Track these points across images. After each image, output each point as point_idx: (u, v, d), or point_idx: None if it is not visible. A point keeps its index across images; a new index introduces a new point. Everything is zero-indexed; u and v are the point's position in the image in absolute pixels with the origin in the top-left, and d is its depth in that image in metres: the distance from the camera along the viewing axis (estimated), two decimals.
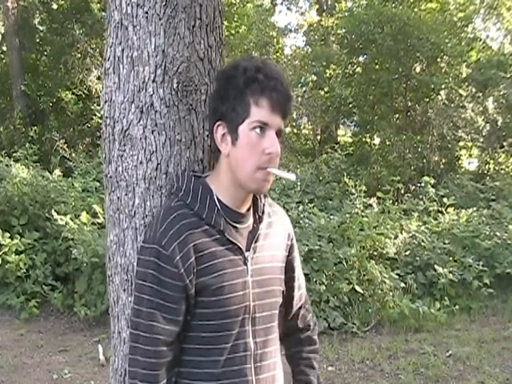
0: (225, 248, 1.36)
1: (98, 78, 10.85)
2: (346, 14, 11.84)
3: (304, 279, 1.64)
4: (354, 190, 6.44)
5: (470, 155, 10.99)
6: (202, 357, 1.37)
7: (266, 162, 1.33)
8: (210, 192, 1.38)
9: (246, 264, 1.39)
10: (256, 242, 1.42)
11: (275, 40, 12.91)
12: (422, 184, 7.51)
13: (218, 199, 1.38)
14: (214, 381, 1.37)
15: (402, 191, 8.76)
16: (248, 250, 1.40)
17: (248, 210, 1.43)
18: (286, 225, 1.54)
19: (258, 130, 1.32)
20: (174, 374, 1.38)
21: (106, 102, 1.54)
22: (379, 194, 6.90)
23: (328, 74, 11.97)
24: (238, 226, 1.40)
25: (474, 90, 10.32)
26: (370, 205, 6.46)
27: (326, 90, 11.76)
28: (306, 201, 6.99)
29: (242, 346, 1.38)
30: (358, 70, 11.04)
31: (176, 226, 1.33)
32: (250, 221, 1.44)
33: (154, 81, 1.48)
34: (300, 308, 1.61)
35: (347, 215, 6.18)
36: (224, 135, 1.36)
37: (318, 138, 12.50)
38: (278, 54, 12.72)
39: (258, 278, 1.40)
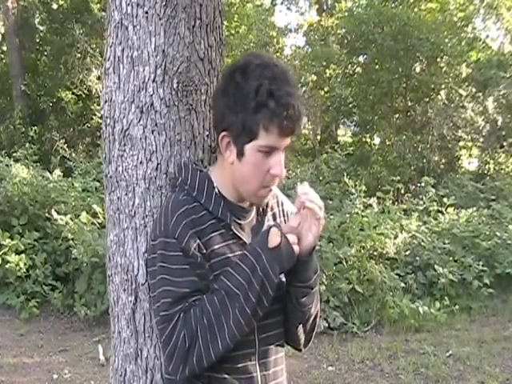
0: (231, 243, 1.37)
1: (98, 78, 10.83)
2: (346, 13, 11.84)
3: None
4: (353, 190, 6.44)
5: (470, 155, 10.98)
6: None
7: (270, 181, 1.36)
8: (214, 186, 1.38)
9: None
10: None
11: (275, 40, 12.91)
12: (422, 184, 7.50)
13: (220, 193, 1.38)
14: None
15: (402, 191, 8.75)
16: None
17: (251, 204, 1.43)
18: (288, 211, 1.53)
19: (264, 152, 1.32)
20: None
21: (106, 101, 1.54)
22: (379, 194, 6.89)
23: (328, 74, 11.95)
24: (241, 221, 1.40)
25: (474, 89, 10.31)
26: (370, 205, 6.45)
27: (326, 89, 11.75)
28: None
29: (246, 343, 1.36)
30: (358, 69, 11.04)
31: (188, 218, 1.32)
32: (253, 214, 1.44)
33: (154, 81, 1.47)
34: None
35: (347, 215, 6.18)
36: (229, 144, 1.35)
37: (318, 137, 12.51)
38: (277, 54, 12.70)
39: None
